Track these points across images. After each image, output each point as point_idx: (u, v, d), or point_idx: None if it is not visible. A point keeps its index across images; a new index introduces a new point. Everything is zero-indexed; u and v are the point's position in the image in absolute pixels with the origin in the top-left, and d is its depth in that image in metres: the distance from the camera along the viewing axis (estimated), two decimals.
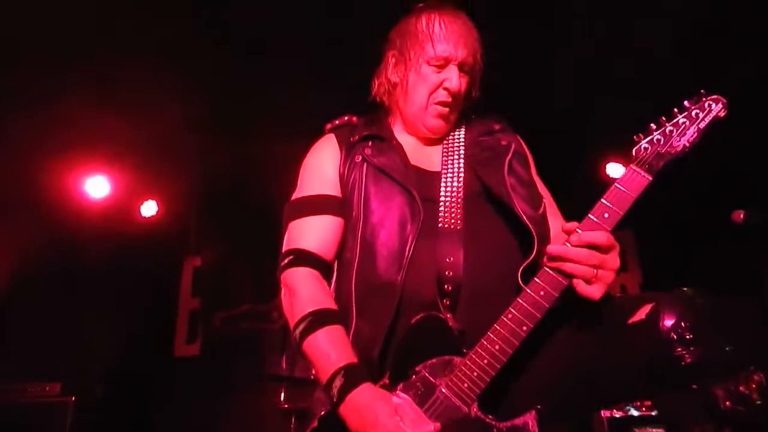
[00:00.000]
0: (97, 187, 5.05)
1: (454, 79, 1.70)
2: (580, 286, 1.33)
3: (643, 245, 5.38)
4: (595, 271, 1.32)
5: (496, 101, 1.97)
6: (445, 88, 1.71)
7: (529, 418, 1.32)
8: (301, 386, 4.25)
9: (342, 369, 1.39)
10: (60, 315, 4.94)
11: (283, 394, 4.16)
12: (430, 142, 1.82)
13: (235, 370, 5.24)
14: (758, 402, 1.19)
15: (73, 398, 4.17)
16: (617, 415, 3.79)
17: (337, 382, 1.37)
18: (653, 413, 3.76)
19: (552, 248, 1.35)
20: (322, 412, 1.45)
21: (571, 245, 1.33)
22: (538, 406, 1.33)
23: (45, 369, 4.37)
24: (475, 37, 1.75)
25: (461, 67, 1.72)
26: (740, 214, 2.83)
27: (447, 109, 1.74)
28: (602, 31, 3.91)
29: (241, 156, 4.84)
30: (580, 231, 1.35)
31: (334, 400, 1.37)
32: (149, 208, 5.45)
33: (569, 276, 1.34)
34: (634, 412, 3.80)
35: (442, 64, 1.71)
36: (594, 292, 1.32)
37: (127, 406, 4.84)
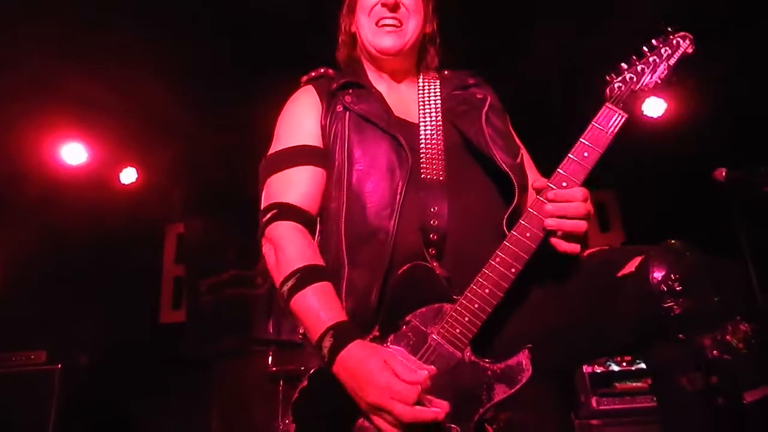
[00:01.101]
0: (73, 153, 4.93)
1: None
2: (562, 245, 1.37)
3: (625, 205, 5.45)
4: (582, 222, 1.36)
5: (480, 65, 1.96)
6: (383, 4, 1.72)
7: (522, 357, 1.34)
8: (288, 349, 4.27)
9: (331, 328, 1.37)
10: (41, 285, 4.89)
11: (270, 358, 4.18)
12: (403, 87, 1.82)
13: (222, 335, 5.25)
14: (744, 351, 1.22)
15: (60, 365, 4.16)
16: (598, 371, 3.89)
17: (327, 342, 1.36)
18: (633, 368, 3.86)
19: (550, 202, 1.37)
20: (312, 371, 1.44)
21: (551, 200, 1.37)
22: (530, 345, 1.35)
23: (29, 339, 4.34)
24: None
25: None
26: (722, 172, 2.87)
27: (393, 25, 1.73)
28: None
29: (222, 121, 4.76)
30: (552, 186, 1.39)
31: (325, 360, 1.37)
32: (129, 176, 5.35)
33: (553, 232, 1.38)
34: (615, 368, 3.89)
35: None
36: (575, 248, 1.37)
37: (114, 372, 4.84)
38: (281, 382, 3.96)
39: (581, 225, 1.36)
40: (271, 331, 4.92)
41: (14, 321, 4.52)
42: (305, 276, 1.46)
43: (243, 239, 5.41)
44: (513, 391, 1.32)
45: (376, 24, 1.74)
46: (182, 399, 5.04)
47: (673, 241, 1.33)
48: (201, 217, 5.70)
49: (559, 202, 1.37)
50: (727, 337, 1.20)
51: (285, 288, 1.47)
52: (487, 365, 1.36)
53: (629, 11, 3.73)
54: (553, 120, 4.72)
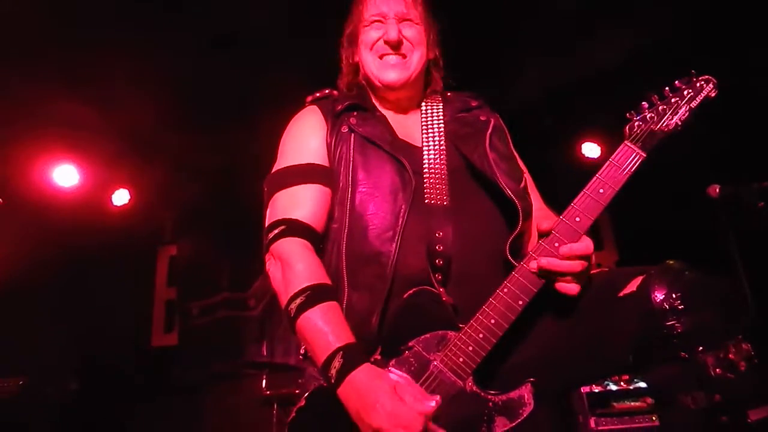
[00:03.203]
0: (65, 176, 4.91)
1: (391, 30, 1.71)
2: (563, 287, 1.37)
3: (618, 223, 5.46)
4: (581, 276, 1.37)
5: (470, 80, 1.97)
6: (385, 41, 1.72)
7: (525, 391, 1.32)
8: (282, 372, 4.23)
9: (341, 349, 1.35)
10: (31, 309, 4.83)
11: (264, 381, 4.14)
12: (407, 111, 1.82)
13: (215, 358, 5.19)
14: (747, 370, 1.21)
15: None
16: (596, 390, 3.86)
17: (336, 363, 1.33)
18: (631, 387, 3.83)
19: (543, 261, 1.37)
20: (310, 391, 1.42)
21: (560, 256, 1.36)
22: (532, 379, 1.33)
23: (18, 363, 4.27)
24: None
25: (401, 19, 1.74)
26: (716, 188, 2.88)
27: (394, 58, 1.73)
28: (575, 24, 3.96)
29: (214, 143, 4.77)
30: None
31: (332, 381, 1.34)
32: (121, 197, 5.34)
33: (559, 280, 1.38)
34: (613, 387, 3.87)
35: (380, 21, 1.74)
36: (573, 290, 1.37)
37: (105, 397, 4.76)
38: (275, 406, 3.91)
39: (573, 266, 1.36)
40: (265, 353, 4.88)
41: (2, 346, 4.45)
42: (314, 295, 1.44)
43: (236, 261, 5.38)
44: (513, 424, 1.31)
45: (380, 57, 1.74)
46: (175, 423, 4.97)
47: (671, 261, 1.33)
48: (193, 239, 5.67)
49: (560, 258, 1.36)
50: (730, 356, 1.19)
51: (293, 305, 1.44)
52: (489, 397, 1.34)
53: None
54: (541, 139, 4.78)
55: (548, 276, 1.37)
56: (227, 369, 5.04)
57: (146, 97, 4.17)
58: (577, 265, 1.35)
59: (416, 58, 1.75)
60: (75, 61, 3.88)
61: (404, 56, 1.73)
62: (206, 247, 5.57)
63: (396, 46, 1.72)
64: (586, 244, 1.37)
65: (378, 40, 1.74)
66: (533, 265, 1.37)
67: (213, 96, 4.42)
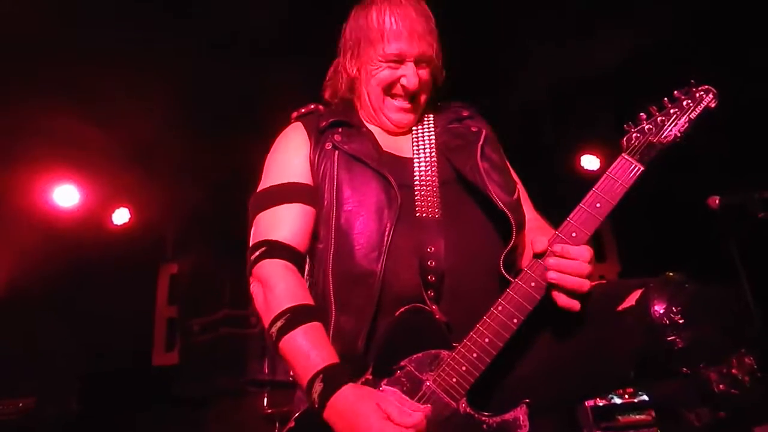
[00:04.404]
0: (66, 196, 4.91)
1: (411, 76, 1.64)
2: (562, 299, 1.33)
3: (620, 235, 5.44)
4: (585, 281, 1.32)
5: (468, 92, 1.95)
6: (403, 86, 1.65)
7: (520, 413, 1.29)
8: (284, 389, 4.19)
9: (321, 372, 1.31)
10: (32, 329, 4.81)
11: (265, 399, 4.10)
12: (398, 132, 1.77)
13: (216, 376, 5.15)
14: (750, 384, 1.19)
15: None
16: (601, 404, 3.83)
17: (317, 387, 1.30)
18: (636, 400, 3.80)
19: (551, 262, 1.33)
20: (299, 413, 1.38)
21: (558, 253, 1.33)
22: (527, 400, 1.30)
23: (19, 383, 4.24)
24: (430, 27, 1.68)
25: (419, 61, 1.65)
26: (716, 200, 2.87)
27: (408, 104, 1.69)
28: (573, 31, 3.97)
29: (214, 161, 4.77)
30: (562, 236, 1.35)
31: (316, 406, 1.31)
32: (121, 216, 5.33)
33: (560, 287, 1.33)
34: (617, 400, 3.84)
35: (398, 60, 1.65)
36: (574, 305, 1.32)
37: (106, 417, 4.72)
38: (277, 425, 3.87)
39: (583, 284, 1.31)
40: (267, 371, 4.84)
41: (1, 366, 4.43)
42: (295, 316, 1.41)
43: (237, 278, 5.35)
44: None
45: (389, 98, 1.69)
46: None
47: (671, 273, 1.30)
48: (194, 256, 5.66)
49: (564, 257, 1.32)
50: (733, 371, 1.17)
51: (274, 328, 1.41)
52: (483, 419, 1.30)
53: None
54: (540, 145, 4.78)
55: (558, 280, 1.32)
56: (229, 386, 5.00)
57: (146, 115, 4.18)
58: (579, 267, 1.31)
59: (423, 100, 1.72)
60: (74, 78, 3.89)
61: (415, 100, 1.69)
62: (207, 264, 5.55)
63: (412, 95, 1.67)
64: (581, 249, 1.33)
65: (393, 82, 1.66)
66: (551, 275, 1.32)
67: (213, 114, 4.43)
